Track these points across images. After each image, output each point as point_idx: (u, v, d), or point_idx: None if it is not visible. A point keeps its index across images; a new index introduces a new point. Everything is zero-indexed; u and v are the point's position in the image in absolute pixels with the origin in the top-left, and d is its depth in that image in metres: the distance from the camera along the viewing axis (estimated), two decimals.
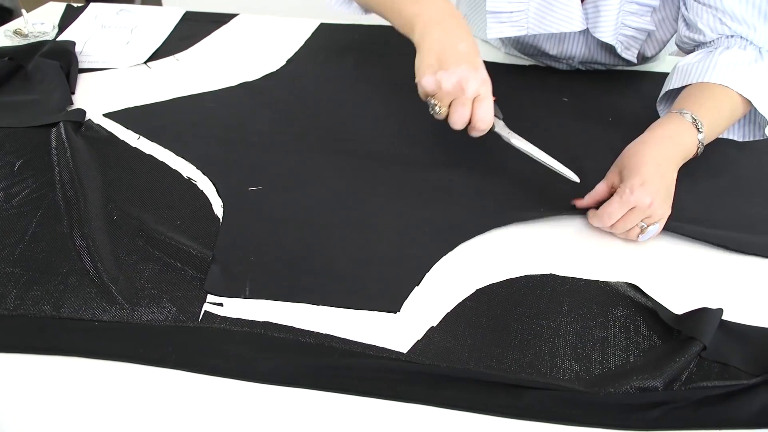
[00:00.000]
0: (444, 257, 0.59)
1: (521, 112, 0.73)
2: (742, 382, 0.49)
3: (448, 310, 0.54)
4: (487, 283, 0.57)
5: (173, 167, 0.69)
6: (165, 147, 0.72)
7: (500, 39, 0.98)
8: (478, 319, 0.53)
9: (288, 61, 0.93)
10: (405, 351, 0.50)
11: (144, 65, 0.91)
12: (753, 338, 0.53)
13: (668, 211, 0.61)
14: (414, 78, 0.66)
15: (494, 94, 0.64)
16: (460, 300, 0.55)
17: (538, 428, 0.45)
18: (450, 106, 0.63)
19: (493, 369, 0.49)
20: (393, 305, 0.54)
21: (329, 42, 1.00)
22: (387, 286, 0.56)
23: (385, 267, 0.58)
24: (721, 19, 0.74)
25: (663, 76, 0.80)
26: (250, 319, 0.52)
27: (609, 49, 0.88)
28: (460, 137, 0.76)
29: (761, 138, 0.76)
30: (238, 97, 0.83)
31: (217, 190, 0.65)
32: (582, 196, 0.65)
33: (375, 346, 0.50)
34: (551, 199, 0.67)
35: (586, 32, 0.85)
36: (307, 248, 0.59)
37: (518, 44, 0.94)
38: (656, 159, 0.62)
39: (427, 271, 0.58)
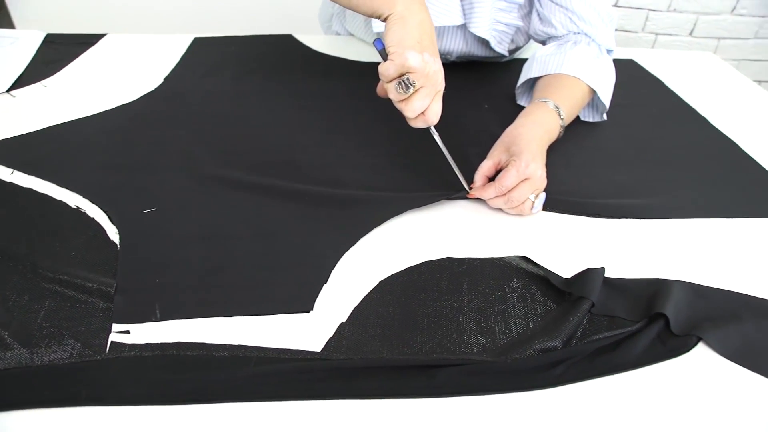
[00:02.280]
0: (347, 253, 0.61)
1: None
2: (627, 329, 0.54)
3: (356, 305, 0.56)
4: (389, 274, 0.59)
5: (57, 198, 0.66)
6: (44, 179, 0.69)
7: None
8: (385, 309, 0.55)
9: (165, 79, 0.91)
10: (319, 350, 0.51)
11: (7, 94, 0.86)
12: (631, 290, 0.58)
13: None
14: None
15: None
16: (366, 293, 0.57)
17: (454, 403, 0.48)
18: (417, 91, 0.61)
19: (405, 354, 0.51)
20: (305, 305, 0.55)
21: (206, 56, 0.99)
22: (297, 287, 0.57)
23: (292, 270, 0.59)
24: (571, 17, 0.84)
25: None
26: (160, 342, 0.51)
27: (484, 43, 0.93)
28: (344, 138, 0.78)
29: (600, 120, 0.88)
30: (118, 120, 0.81)
31: (109, 217, 0.63)
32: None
33: (289, 349, 0.51)
34: (439, 184, 0.70)
35: (463, 28, 0.91)
36: (212, 262, 0.59)
37: None
38: (536, 140, 0.69)
39: (333, 269, 0.59)
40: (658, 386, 0.50)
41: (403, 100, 0.62)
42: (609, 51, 0.87)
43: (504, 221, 0.67)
